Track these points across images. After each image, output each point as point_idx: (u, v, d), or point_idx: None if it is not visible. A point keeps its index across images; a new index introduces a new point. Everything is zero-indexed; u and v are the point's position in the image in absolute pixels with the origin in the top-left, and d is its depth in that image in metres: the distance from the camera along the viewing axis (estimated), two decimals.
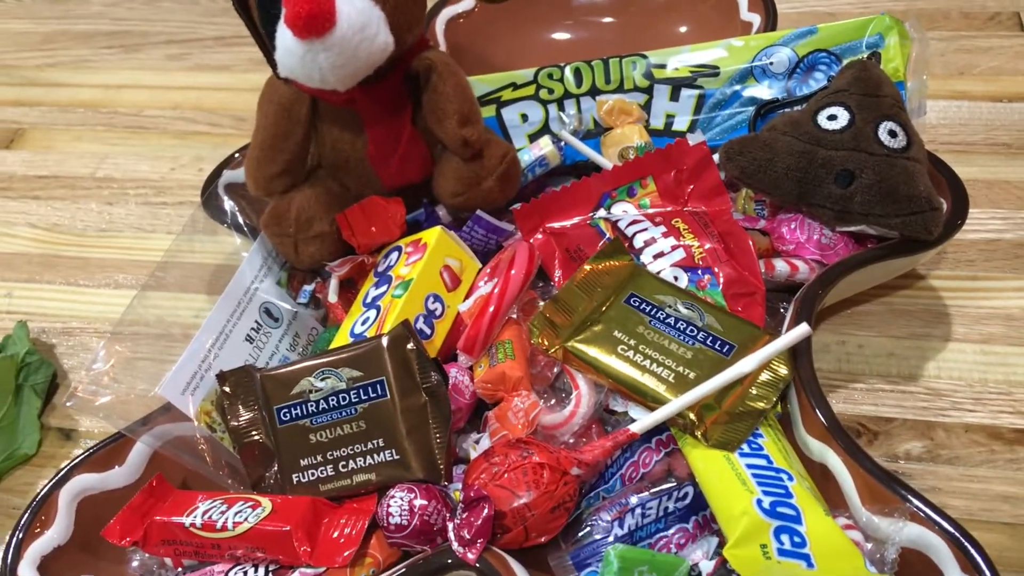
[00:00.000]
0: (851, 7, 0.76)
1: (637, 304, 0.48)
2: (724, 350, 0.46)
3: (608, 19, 0.71)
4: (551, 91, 0.59)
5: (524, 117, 0.59)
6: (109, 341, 0.49)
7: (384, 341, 0.45)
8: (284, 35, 0.45)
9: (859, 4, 0.76)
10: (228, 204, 0.58)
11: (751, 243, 0.50)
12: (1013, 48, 0.70)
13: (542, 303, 0.50)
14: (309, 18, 0.43)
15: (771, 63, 0.56)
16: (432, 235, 0.51)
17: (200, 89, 0.80)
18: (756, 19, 0.65)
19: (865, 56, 0.54)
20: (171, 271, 0.57)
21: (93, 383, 0.48)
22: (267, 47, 0.49)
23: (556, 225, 0.54)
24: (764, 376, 0.45)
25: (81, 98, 0.80)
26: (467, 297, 0.51)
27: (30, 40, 0.87)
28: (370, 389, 0.45)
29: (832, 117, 0.50)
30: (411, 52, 0.51)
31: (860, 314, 0.56)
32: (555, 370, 0.48)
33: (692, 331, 0.46)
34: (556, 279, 0.52)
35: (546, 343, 0.47)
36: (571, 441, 0.46)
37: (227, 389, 0.47)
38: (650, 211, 0.53)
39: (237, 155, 0.62)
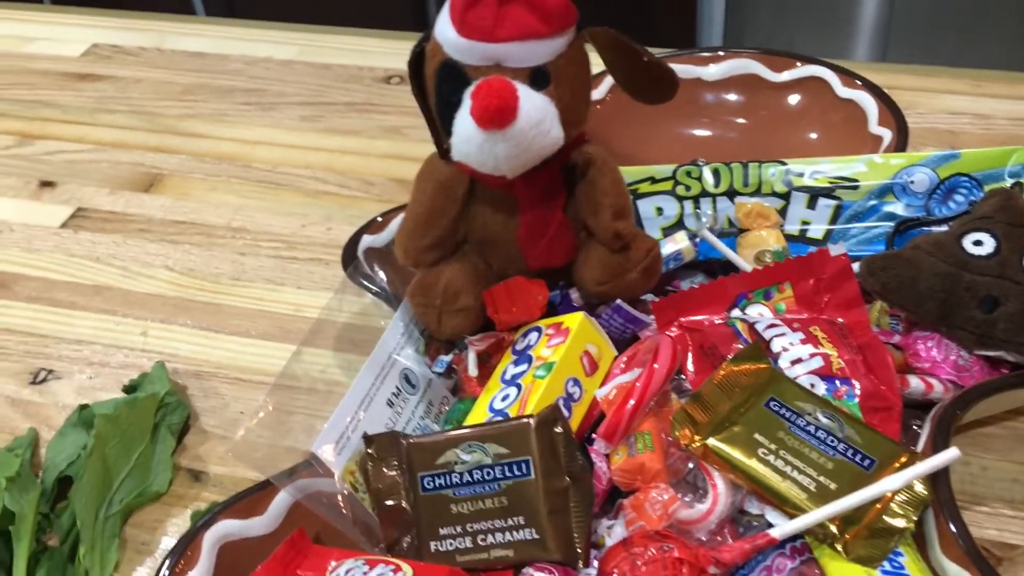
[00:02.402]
0: (972, 126, 0.78)
1: (777, 409, 0.49)
2: (865, 464, 0.46)
3: (739, 119, 0.74)
4: (688, 188, 0.61)
5: (659, 210, 0.62)
6: (269, 393, 0.52)
7: (532, 422, 0.47)
8: (466, 124, 0.48)
9: (980, 124, 0.78)
10: (371, 269, 0.60)
11: (890, 358, 0.51)
12: None
13: (675, 396, 0.52)
14: (496, 111, 0.46)
15: (911, 182, 0.58)
16: (574, 320, 0.53)
17: (331, 151, 0.84)
18: (887, 134, 0.67)
19: (1008, 185, 0.56)
20: (320, 329, 0.60)
21: (250, 432, 0.50)
22: (438, 130, 0.52)
23: (692, 320, 0.56)
24: (902, 495, 0.45)
25: (218, 150, 0.84)
26: (604, 383, 0.52)
27: (171, 90, 0.92)
28: (515, 467, 0.46)
29: (978, 243, 0.51)
30: (572, 144, 0.53)
31: (985, 436, 0.56)
32: (688, 465, 0.49)
33: (832, 441, 0.47)
34: (689, 374, 0.53)
35: (686, 439, 0.48)
36: (704, 538, 0.46)
37: (372, 452, 0.49)
38: (787, 317, 0.54)
39: (379, 219, 0.65)
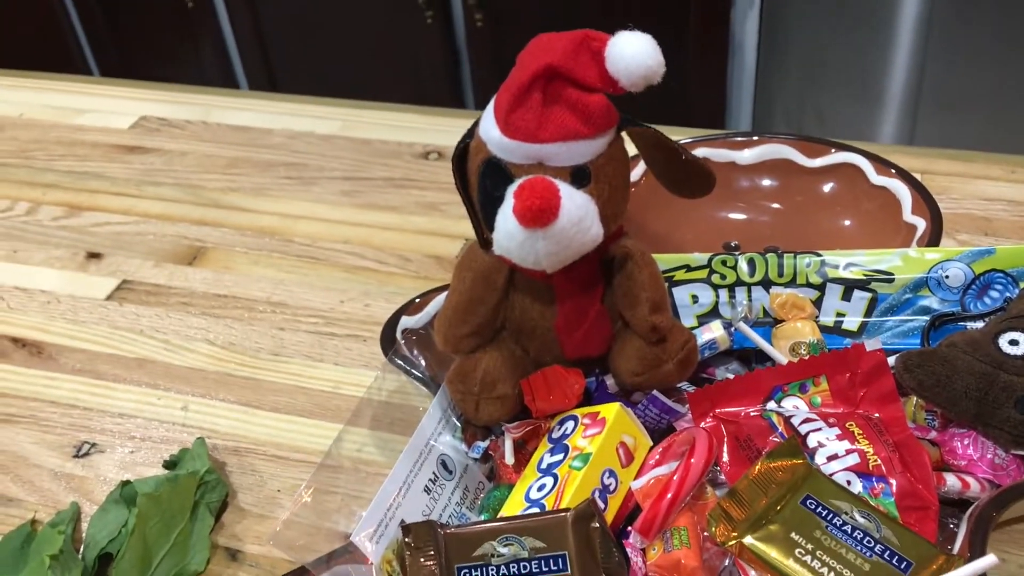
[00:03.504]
0: (1006, 213, 0.78)
1: (813, 507, 0.49)
2: (902, 566, 0.46)
3: (773, 204, 0.75)
4: (723, 276, 0.62)
5: (695, 298, 0.62)
6: (312, 477, 0.52)
7: (569, 516, 0.47)
8: (508, 221, 0.49)
9: (1015, 211, 0.78)
10: (410, 352, 0.61)
11: (927, 456, 0.51)
12: None
13: (710, 489, 0.52)
14: (539, 211, 0.47)
15: (946, 276, 0.58)
16: (611, 411, 0.54)
17: (369, 227, 0.85)
18: (920, 223, 0.68)
19: None
20: (362, 410, 0.61)
21: (290, 519, 0.51)
22: (480, 222, 0.54)
23: (727, 411, 0.56)
24: None
25: (260, 224, 0.87)
26: (639, 475, 0.53)
27: (215, 163, 0.95)
28: (552, 562, 0.47)
29: (1014, 342, 0.52)
30: (611, 237, 0.54)
31: (1020, 532, 0.56)
32: (725, 562, 0.49)
33: (869, 542, 0.47)
34: (724, 466, 0.54)
35: (723, 536, 0.48)
36: None
37: (409, 541, 0.49)
38: (823, 411, 0.54)
39: (418, 299, 0.66)
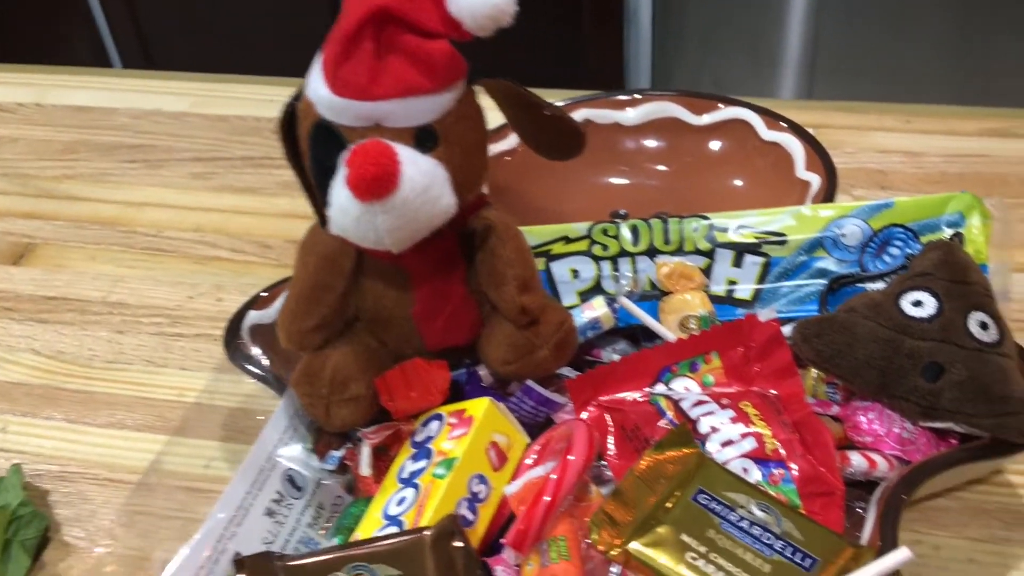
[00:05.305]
0: (903, 165, 0.74)
1: (706, 503, 0.43)
2: (806, 564, 0.41)
3: (660, 167, 0.69)
4: (605, 247, 0.56)
5: (575, 273, 0.56)
6: (131, 497, 0.44)
7: (428, 537, 0.40)
8: (341, 194, 0.42)
9: (911, 163, 0.74)
10: (254, 351, 0.54)
11: (829, 436, 0.46)
12: None
13: (595, 488, 0.46)
14: (373, 180, 0.40)
15: (843, 235, 0.53)
16: (479, 408, 0.47)
17: (224, 212, 0.77)
18: (815, 179, 0.63)
19: (948, 236, 0.51)
20: (198, 418, 0.53)
21: (104, 556, 0.43)
22: (317, 200, 0.46)
23: (611, 399, 0.50)
24: None
25: (99, 214, 0.77)
26: (514, 477, 0.46)
27: (50, 149, 0.85)
28: None
29: (917, 303, 0.47)
30: (469, 208, 0.47)
31: (934, 510, 0.51)
32: (612, 569, 0.43)
33: (768, 539, 0.42)
34: (610, 460, 0.48)
35: (606, 543, 0.42)
36: None
37: None
38: (716, 390, 0.49)
39: (264, 293, 0.58)
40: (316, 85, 0.44)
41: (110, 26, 1.79)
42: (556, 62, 1.66)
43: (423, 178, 0.42)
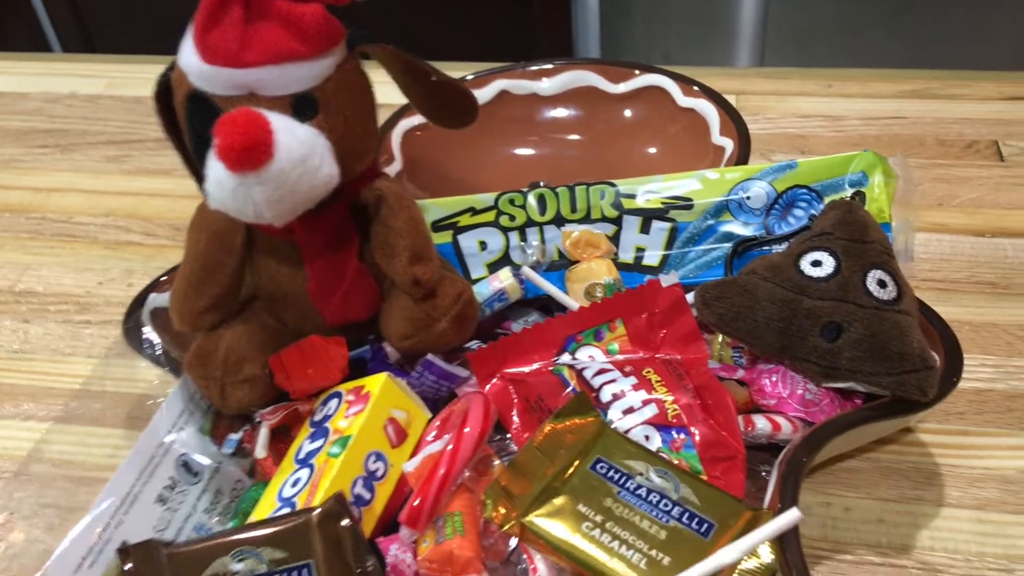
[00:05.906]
0: (823, 129, 0.74)
1: (604, 471, 0.42)
2: (702, 529, 0.40)
3: (574, 136, 0.68)
4: (512, 218, 0.55)
5: (483, 245, 0.55)
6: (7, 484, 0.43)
7: (313, 517, 0.39)
8: (215, 166, 0.40)
9: (831, 127, 0.74)
10: (153, 335, 0.52)
11: (731, 400, 0.45)
12: (992, 179, 0.68)
13: (497, 462, 0.45)
14: (243, 150, 0.38)
15: (748, 197, 0.52)
16: (376, 383, 0.46)
17: (137, 195, 0.75)
18: (728, 143, 0.62)
19: (849, 195, 0.51)
20: (85, 402, 0.51)
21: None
22: (199, 174, 0.44)
23: (515, 371, 0.49)
24: (748, 563, 0.39)
25: (8, 201, 0.75)
26: (414, 454, 0.45)
27: None
28: (295, 573, 0.39)
29: (816, 263, 0.46)
30: (360, 180, 0.46)
31: (845, 472, 0.51)
32: (511, 543, 0.43)
33: (666, 505, 0.41)
34: (515, 432, 0.47)
35: (501, 517, 0.41)
36: None
37: (129, 567, 0.40)
38: (619, 358, 0.48)
39: (164, 277, 0.57)
40: (187, 53, 0.42)
41: (47, 11, 1.74)
42: (505, 39, 1.64)
43: (301, 148, 0.41)
